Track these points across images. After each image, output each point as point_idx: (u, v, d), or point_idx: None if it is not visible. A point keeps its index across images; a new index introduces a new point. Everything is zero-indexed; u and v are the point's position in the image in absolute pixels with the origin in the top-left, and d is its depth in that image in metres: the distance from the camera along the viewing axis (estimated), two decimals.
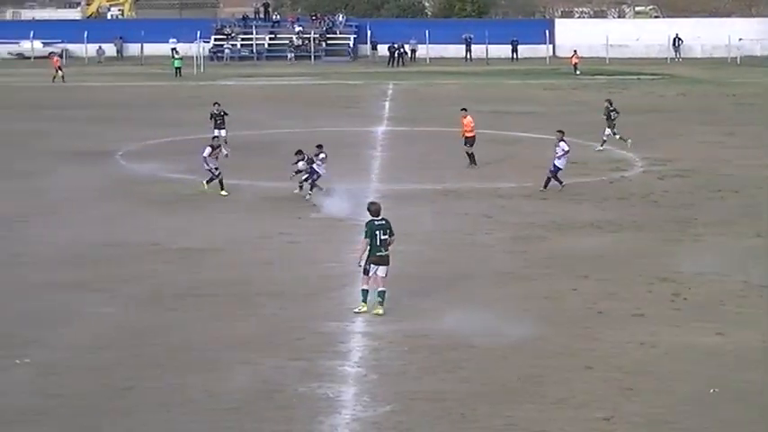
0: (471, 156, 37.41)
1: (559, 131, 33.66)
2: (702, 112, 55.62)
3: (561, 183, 32.99)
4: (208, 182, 32.37)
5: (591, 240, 27.04)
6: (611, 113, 41.83)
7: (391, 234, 20.81)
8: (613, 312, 20.83)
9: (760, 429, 15.57)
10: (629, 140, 41.24)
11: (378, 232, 20.63)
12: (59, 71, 74.28)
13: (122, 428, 15.32)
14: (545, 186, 32.96)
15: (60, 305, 21.23)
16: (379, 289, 20.71)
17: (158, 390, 16.70)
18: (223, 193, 32.32)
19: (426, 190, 33.35)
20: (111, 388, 16.74)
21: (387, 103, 61.41)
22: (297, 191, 32.05)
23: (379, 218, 20.81)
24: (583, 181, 35.22)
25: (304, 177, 31.88)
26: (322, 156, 31.86)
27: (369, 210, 21.11)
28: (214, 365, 17.79)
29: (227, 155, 33.59)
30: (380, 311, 20.53)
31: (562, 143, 32.93)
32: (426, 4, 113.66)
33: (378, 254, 20.64)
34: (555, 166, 32.88)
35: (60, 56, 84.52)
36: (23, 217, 29.72)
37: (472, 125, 37.71)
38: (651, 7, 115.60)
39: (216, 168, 32.37)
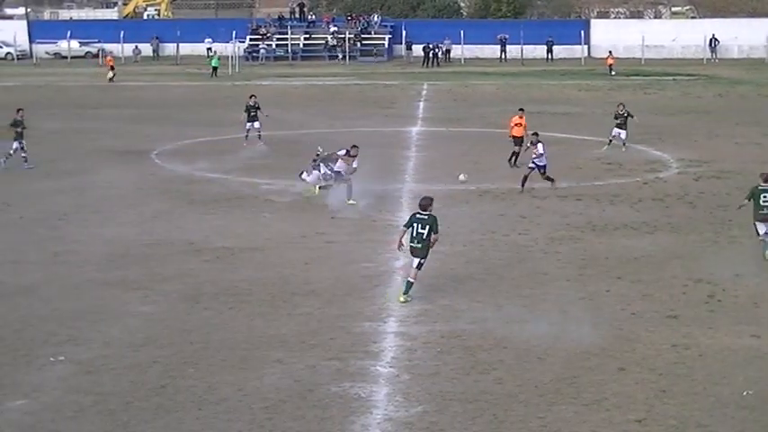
0: (517, 155, 37.55)
1: (534, 134, 33.58)
2: (741, 114, 55.32)
3: (552, 180, 33.23)
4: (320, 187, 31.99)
5: (626, 241, 26.99)
6: (623, 116, 41.74)
7: (432, 231, 21.27)
8: (647, 314, 20.78)
9: None
10: (606, 148, 41.30)
11: (416, 225, 21.22)
12: (112, 70, 74.96)
13: (157, 426, 15.42)
14: (522, 185, 33.10)
15: (98, 303, 21.41)
16: (409, 279, 21.27)
17: (193, 388, 16.80)
18: (311, 193, 32.03)
19: (461, 190, 33.31)
20: (146, 386, 16.86)
21: (421, 104, 61.45)
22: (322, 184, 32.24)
23: (425, 213, 21.36)
24: (618, 182, 35.19)
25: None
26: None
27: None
28: (249, 364, 17.89)
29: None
30: (401, 299, 21.21)
31: (540, 144, 32.86)
32: (462, 5, 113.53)
33: (411, 244, 21.27)
34: (536, 164, 32.87)
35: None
36: (64, 215, 29.97)
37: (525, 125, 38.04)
38: (688, 8, 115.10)
39: (331, 172, 31.83)
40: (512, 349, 18.63)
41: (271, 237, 27.37)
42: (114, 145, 43.50)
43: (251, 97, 43.19)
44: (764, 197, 25.13)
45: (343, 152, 31.65)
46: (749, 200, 25.50)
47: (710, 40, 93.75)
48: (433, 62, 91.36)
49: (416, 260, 21.30)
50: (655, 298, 21.89)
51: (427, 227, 21.23)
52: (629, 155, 40.66)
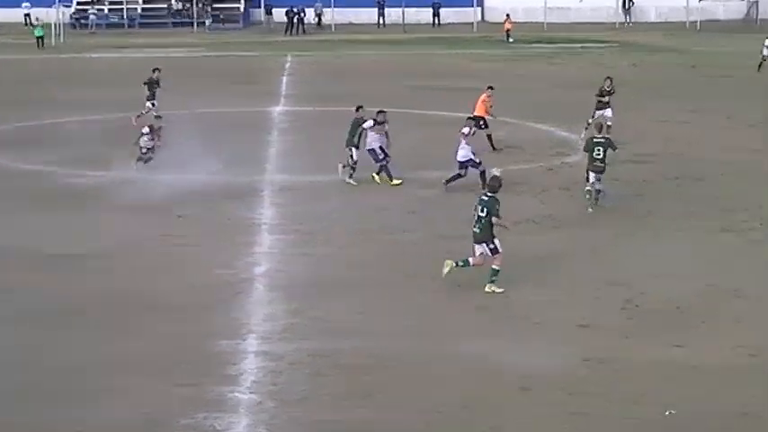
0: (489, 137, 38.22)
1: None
2: (659, 86, 56.27)
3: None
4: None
5: (528, 239, 27.21)
6: (610, 92, 41.58)
7: (490, 214, 22.56)
8: (553, 323, 21.06)
9: None
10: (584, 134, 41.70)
11: (478, 207, 22.94)
12: None
13: None
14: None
15: None
16: (492, 266, 22.82)
17: (20, 425, 16.63)
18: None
19: (334, 181, 33.28)
20: None
21: (284, 79, 61.40)
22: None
23: (488, 194, 22.96)
24: (519, 168, 35.36)
25: None
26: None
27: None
28: (87, 395, 17.74)
29: None
30: (487, 289, 22.72)
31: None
32: None
33: (473, 229, 22.94)
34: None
35: None
36: None
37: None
38: None
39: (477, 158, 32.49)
40: (395, 369, 18.76)
41: (111, 241, 26.99)
42: None
43: (155, 71, 44.23)
44: (598, 150, 29.61)
45: (371, 123, 32.89)
46: (585, 150, 30.38)
47: (624, 1, 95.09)
48: (297, 29, 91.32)
49: (477, 246, 22.67)
50: (563, 304, 22.21)
51: (485, 210, 22.68)
52: (533, 136, 41.08)
